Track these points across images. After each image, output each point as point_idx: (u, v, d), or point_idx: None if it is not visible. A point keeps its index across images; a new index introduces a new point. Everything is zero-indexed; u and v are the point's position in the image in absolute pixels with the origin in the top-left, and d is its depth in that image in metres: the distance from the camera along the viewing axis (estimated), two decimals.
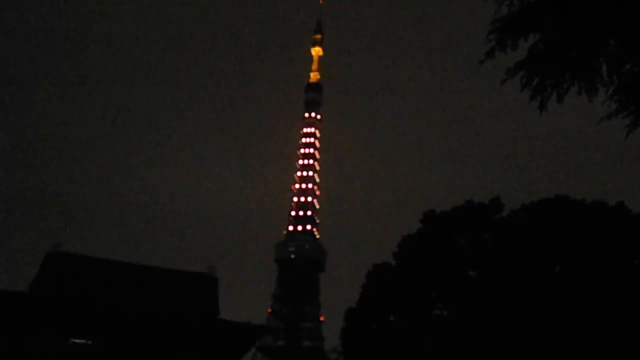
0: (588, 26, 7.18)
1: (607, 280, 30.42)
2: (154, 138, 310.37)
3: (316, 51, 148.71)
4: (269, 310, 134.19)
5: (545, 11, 7.37)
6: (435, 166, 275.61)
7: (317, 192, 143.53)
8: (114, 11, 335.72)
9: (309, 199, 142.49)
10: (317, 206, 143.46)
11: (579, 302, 30.01)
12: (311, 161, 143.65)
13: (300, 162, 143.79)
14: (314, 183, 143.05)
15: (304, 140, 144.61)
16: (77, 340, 32.37)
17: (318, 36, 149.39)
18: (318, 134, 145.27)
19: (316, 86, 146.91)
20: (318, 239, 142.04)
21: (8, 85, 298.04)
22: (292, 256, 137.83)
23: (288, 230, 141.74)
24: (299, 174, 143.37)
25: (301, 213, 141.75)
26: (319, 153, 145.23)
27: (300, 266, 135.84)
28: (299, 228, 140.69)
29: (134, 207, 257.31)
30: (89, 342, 32.42)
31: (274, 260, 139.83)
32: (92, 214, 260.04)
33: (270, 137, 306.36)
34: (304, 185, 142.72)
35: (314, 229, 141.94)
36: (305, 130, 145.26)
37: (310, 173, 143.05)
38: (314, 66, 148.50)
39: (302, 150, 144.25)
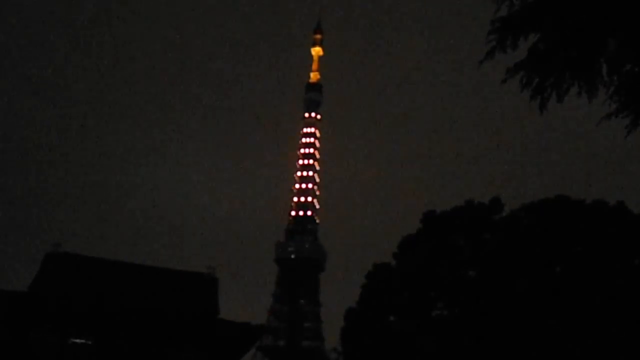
0: (588, 26, 7.19)
1: (607, 280, 30.42)
2: (154, 138, 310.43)
3: (316, 51, 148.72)
4: (269, 310, 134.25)
5: (545, 11, 7.37)
6: (435, 166, 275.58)
7: (317, 192, 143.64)
8: (112, 6, 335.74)
9: (309, 199, 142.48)
10: (317, 206, 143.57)
11: (579, 302, 30.01)
12: (311, 161, 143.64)
13: (300, 162, 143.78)
14: (314, 183, 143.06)
15: (304, 140, 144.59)
16: (77, 340, 32.39)
17: (318, 36, 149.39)
18: (318, 134, 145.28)
19: (316, 86, 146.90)
20: (318, 239, 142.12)
21: (7, 84, 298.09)
22: (292, 256, 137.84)
23: (288, 230, 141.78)
24: (299, 174, 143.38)
25: (301, 213, 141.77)
26: (319, 153, 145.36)
27: (300, 266, 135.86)
28: (299, 228, 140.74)
29: (134, 207, 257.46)
30: (89, 342, 32.43)
31: (274, 260, 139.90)
32: (92, 214, 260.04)
33: (270, 137, 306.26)
34: (304, 185, 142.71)
35: (314, 229, 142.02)
36: (305, 130, 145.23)
37: (310, 173, 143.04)
38: (314, 66, 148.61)
39: (302, 150, 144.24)
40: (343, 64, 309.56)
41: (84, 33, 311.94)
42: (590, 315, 29.65)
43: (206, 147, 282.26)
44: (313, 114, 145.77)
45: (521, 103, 7.84)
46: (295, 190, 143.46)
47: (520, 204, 34.56)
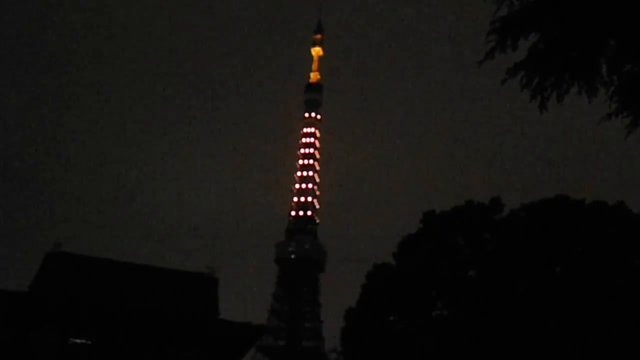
0: (588, 26, 7.19)
1: (607, 280, 30.41)
2: (154, 138, 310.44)
3: (316, 51, 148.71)
4: (269, 310, 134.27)
5: (545, 11, 7.37)
6: (435, 166, 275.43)
7: (317, 192, 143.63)
8: (111, 7, 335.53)
9: (309, 199, 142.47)
10: (317, 206, 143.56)
11: (579, 303, 30.01)
12: (311, 161, 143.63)
13: (300, 162, 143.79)
14: (314, 183, 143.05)
15: (304, 140, 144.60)
16: (77, 340, 32.38)
17: (318, 36, 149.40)
18: (318, 134, 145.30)
19: (316, 86, 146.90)
20: (318, 239, 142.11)
21: (6, 83, 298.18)
22: (292, 256, 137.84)
23: (288, 230, 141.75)
24: (299, 174, 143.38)
25: (301, 213, 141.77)
26: (319, 153, 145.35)
27: (300, 266, 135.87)
28: (299, 228, 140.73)
29: (134, 207, 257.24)
30: (89, 342, 32.42)
31: (274, 260, 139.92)
32: (92, 213, 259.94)
33: (270, 137, 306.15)
34: (304, 185, 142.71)
35: (314, 229, 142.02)
36: (305, 130, 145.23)
37: (310, 173, 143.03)
38: (314, 66, 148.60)
39: (302, 150, 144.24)
40: (343, 64, 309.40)
41: (84, 31, 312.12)
42: (590, 315, 29.64)
43: (206, 147, 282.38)
44: (313, 114, 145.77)
45: (521, 103, 7.84)
46: (295, 190, 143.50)
47: (520, 204, 34.57)
